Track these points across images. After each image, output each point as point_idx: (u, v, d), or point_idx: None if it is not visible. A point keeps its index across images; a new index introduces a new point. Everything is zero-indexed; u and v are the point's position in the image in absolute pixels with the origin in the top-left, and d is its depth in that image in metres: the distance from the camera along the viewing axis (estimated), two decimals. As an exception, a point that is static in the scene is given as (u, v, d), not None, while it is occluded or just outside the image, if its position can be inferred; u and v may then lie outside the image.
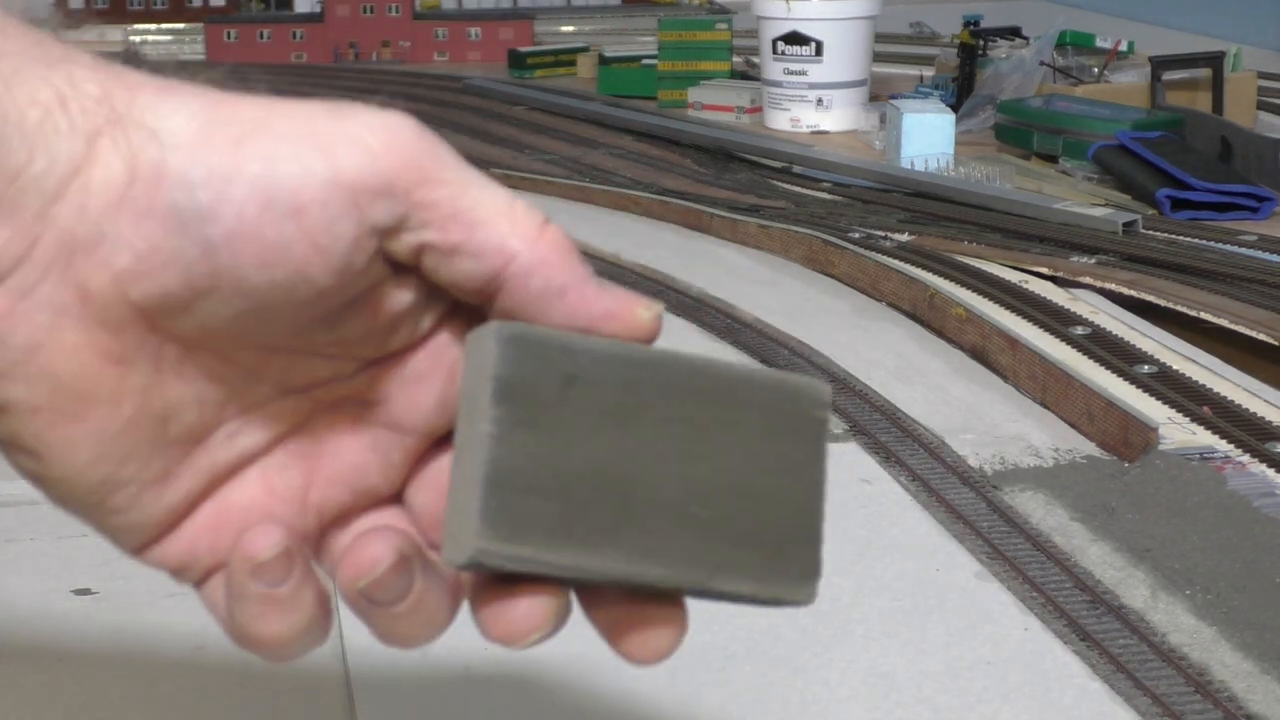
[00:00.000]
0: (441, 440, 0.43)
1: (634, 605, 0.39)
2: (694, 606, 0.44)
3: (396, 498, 0.43)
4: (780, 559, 0.40)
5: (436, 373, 0.42)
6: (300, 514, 0.42)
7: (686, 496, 0.39)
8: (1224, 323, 1.65)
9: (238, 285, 0.37)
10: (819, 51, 2.74)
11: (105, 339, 0.38)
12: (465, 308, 0.41)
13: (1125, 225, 1.97)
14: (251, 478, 0.41)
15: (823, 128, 2.76)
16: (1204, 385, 1.47)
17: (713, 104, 2.92)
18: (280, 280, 0.37)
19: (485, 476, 0.37)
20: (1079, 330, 1.64)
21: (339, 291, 0.38)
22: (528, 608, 0.38)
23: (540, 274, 0.39)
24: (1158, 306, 1.74)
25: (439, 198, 0.38)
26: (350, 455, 0.42)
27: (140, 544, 0.41)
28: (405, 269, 0.40)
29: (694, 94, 2.96)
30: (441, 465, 0.42)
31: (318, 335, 0.40)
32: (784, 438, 0.41)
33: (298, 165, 0.37)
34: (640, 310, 0.40)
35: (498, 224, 0.39)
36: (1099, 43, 2.79)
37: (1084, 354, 1.56)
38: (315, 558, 0.42)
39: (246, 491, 0.41)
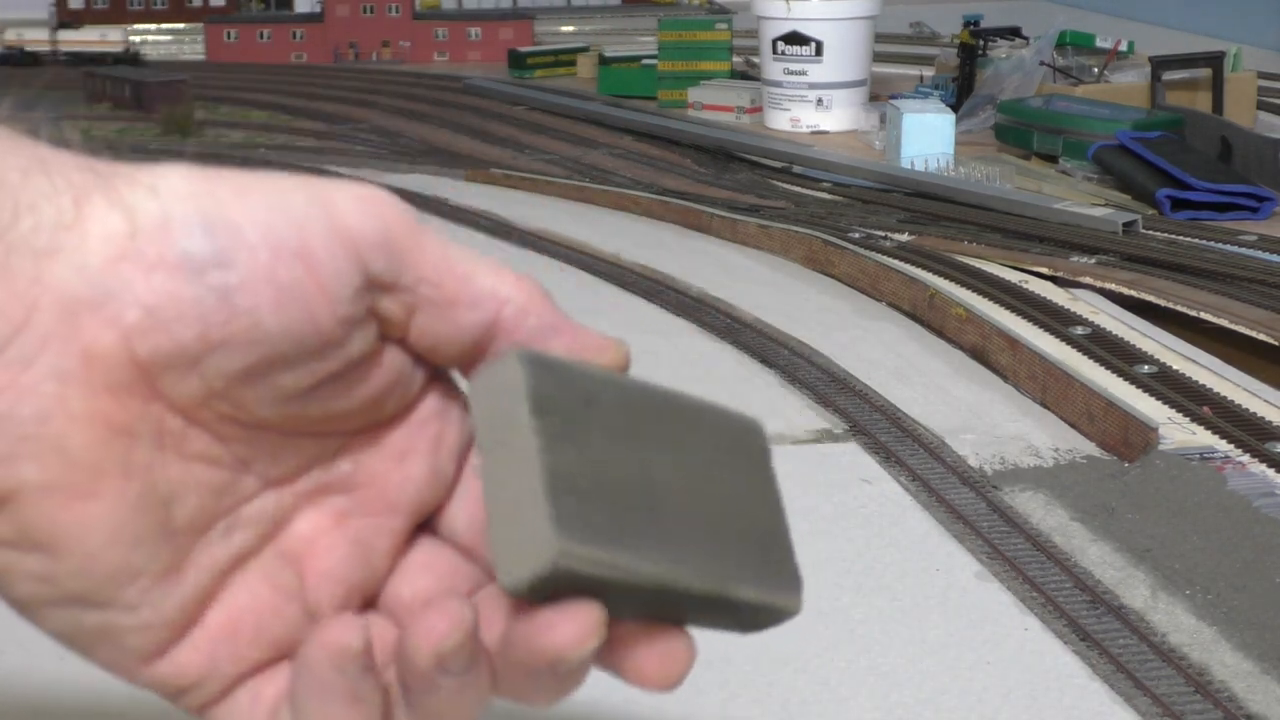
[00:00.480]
0: (421, 527, 0.42)
1: (648, 629, 0.39)
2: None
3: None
4: (770, 568, 0.42)
5: (421, 446, 0.42)
6: (304, 615, 0.41)
7: (692, 510, 0.41)
8: (1224, 323, 1.65)
9: (252, 332, 0.37)
10: (819, 51, 2.74)
11: (110, 406, 0.37)
12: (438, 383, 0.42)
13: (1125, 225, 1.97)
14: (252, 578, 0.40)
15: (823, 128, 2.76)
16: (1204, 385, 1.47)
17: (713, 104, 2.92)
18: (292, 326, 0.37)
19: (547, 484, 0.38)
20: (1079, 330, 1.64)
21: (341, 346, 0.38)
22: (579, 620, 0.38)
23: (534, 313, 0.40)
24: (1158, 306, 1.74)
25: (429, 254, 0.39)
26: (337, 550, 0.41)
27: (152, 651, 0.39)
28: (389, 340, 0.40)
29: (694, 94, 2.96)
30: (420, 553, 0.42)
31: (310, 408, 0.39)
32: (743, 462, 0.43)
33: (302, 213, 0.38)
34: (620, 345, 0.41)
35: (484, 274, 0.40)
36: (1099, 43, 2.79)
37: (1084, 354, 1.56)
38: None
39: (251, 592, 0.40)
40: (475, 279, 0.40)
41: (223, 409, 0.38)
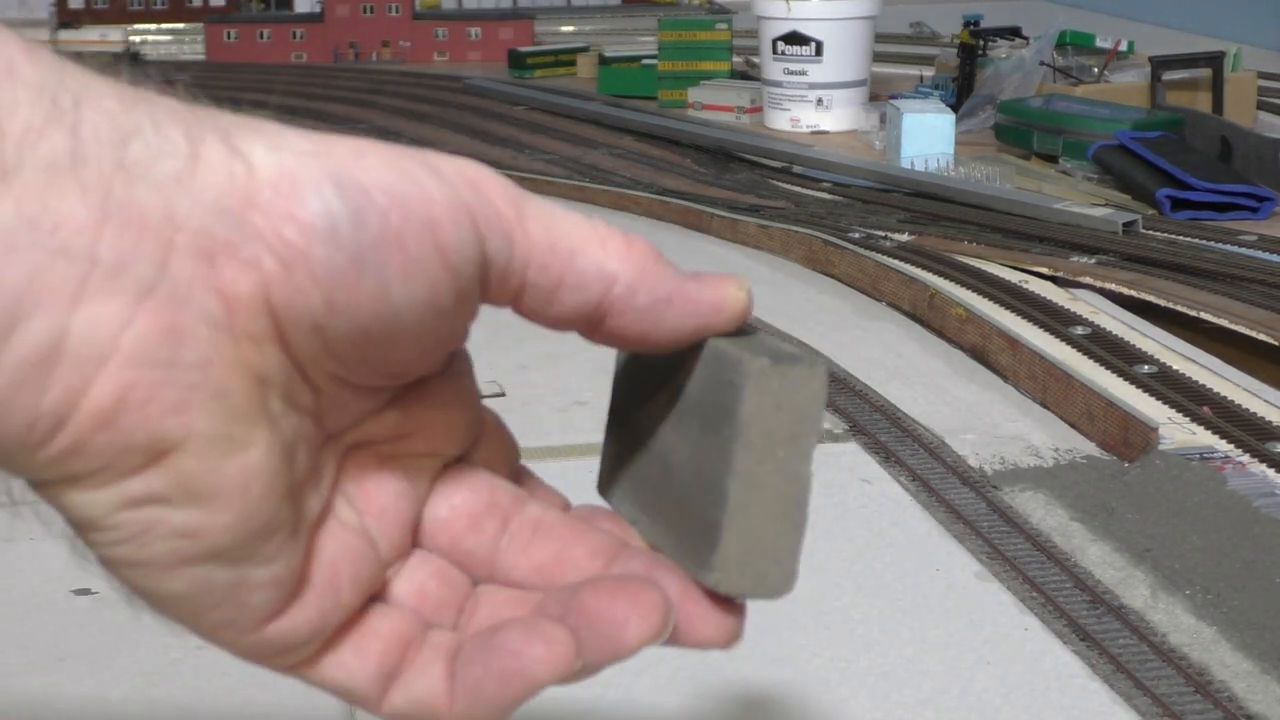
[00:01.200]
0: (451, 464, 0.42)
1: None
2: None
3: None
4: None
5: (459, 394, 0.41)
6: (379, 563, 0.40)
7: None
8: (1224, 323, 1.65)
9: (378, 301, 0.36)
10: (819, 51, 2.74)
11: (251, 353, 0.35)
12: None
13: (1125, 225, 1.97)
14: (333, 527, 0.39)
15: (823, 128, 2.76)
16: (1204, 385, 1.47)
17: (713, 104, 2.92)
18: (416, 296, 0.36)
19: (803, 525, 0.38)
20: (1079, 330, 1.64)
21: (449, 319, 0.37)
22: (732, 634, 0.40)
23: (644, 289, 0.39)
24: (1158, 306, 1.74)
25: (534, 232, 0.38)
26: (387, 488, 0.41)
27: (274, 609, 0.38)
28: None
29: (694, 94, 2.96)
30: (452, 476, 0.42)
31: (392, 366, 0.38)
32: None
33: (427, 182, 0.36)
34: (735, 291, 0.40)
35: (591, 250, 0.38)
36: (1099, 43, 2.79)
37: (1084, 354, 1.56)
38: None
39: (336, 540, 0.39)
40: (580, 257, 0.38)
41: (329, 366, 0.37)
